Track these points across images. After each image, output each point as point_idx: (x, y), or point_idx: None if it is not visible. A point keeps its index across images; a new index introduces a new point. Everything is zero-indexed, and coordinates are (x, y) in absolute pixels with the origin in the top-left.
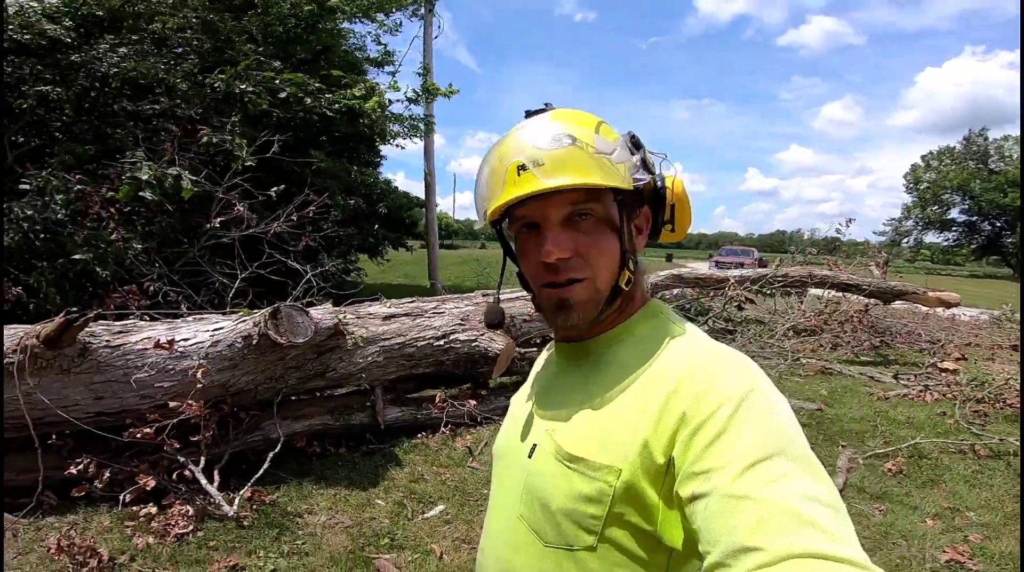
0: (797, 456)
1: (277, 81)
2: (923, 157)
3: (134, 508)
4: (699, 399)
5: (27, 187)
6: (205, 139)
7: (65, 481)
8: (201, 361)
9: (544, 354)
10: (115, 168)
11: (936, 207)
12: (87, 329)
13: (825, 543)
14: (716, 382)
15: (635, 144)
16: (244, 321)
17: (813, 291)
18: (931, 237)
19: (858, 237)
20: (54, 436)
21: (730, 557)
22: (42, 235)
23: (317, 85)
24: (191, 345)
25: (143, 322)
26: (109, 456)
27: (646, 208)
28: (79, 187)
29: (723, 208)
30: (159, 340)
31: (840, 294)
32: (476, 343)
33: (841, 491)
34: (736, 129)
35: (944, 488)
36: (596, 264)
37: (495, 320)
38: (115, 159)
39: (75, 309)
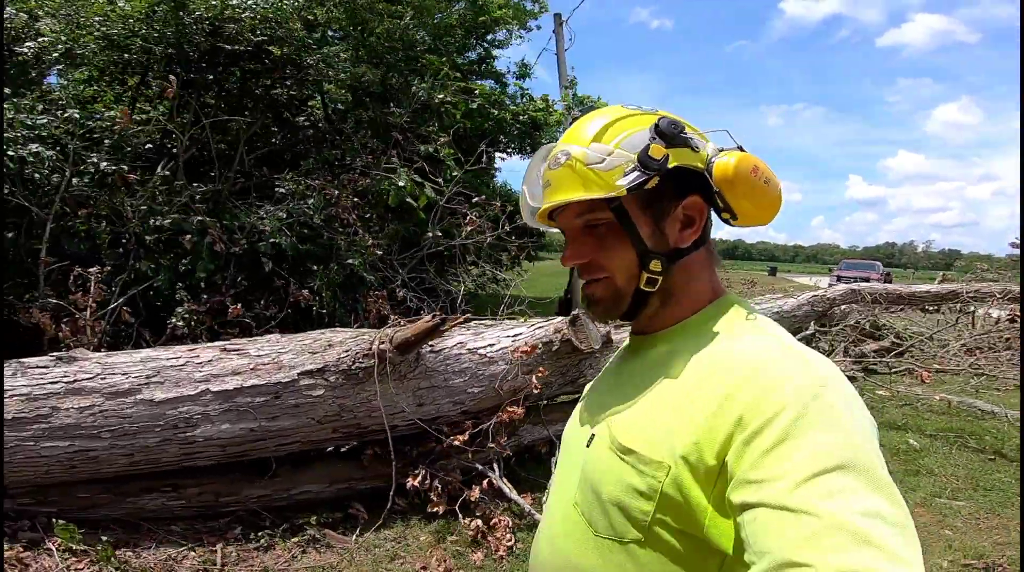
0: (863, 469)
1: (475, 92)
2: None
3: (448, 521)
4: (759, 401)
5: (283, 191)
6: (423, 149)
7: (374, 492)
8: (537, 365)
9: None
10: (349, 174)
11: None
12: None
13: (881, 563)
14: (779, 384)
15: (661, 135)
16: (542, 327)
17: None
18: None
19: (980, 250)
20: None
21: (775, 570)
22: (306, 239)
23: (502, 96)
24: (495, 350)
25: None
26: (404, 465)
27: (694, 197)
28: (331, 192)
29: (822, 218)
30: (469, 345)
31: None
32: None
33: None
34: (835, 135)
35: None
36: (609, 267)
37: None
38: (345, 166)
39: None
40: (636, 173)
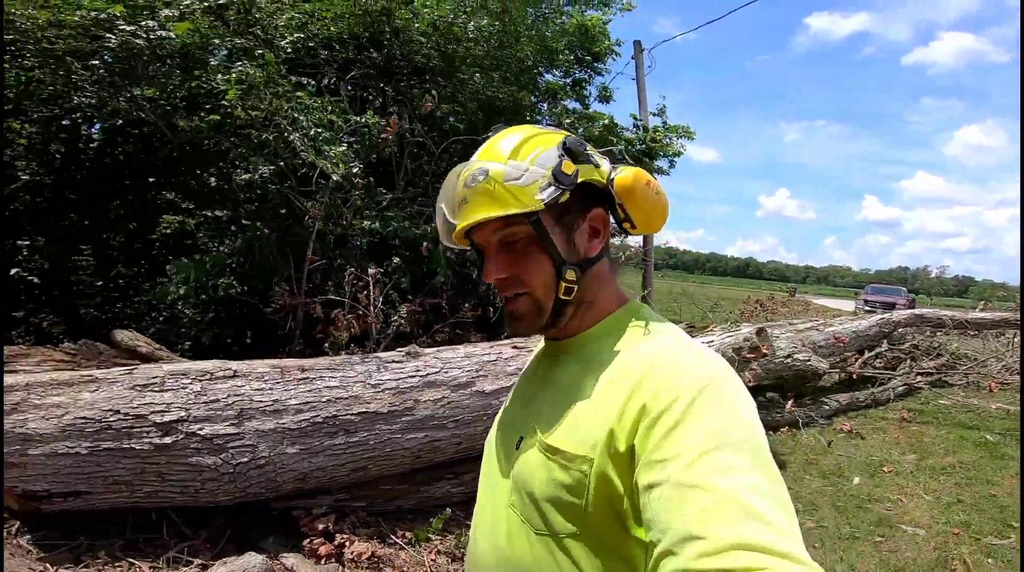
0: (749, 448)
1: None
2: None
3: None
4: (659, 391)
5: None
6: None
7: None
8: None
9: (537, 349)
10: None
11: None
12: None
13: (768, 536)
14: (676, 375)
15: (568, 152)
16: (732, 335)
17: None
18: None
19: (994, 277)
20: None
21: (676, 545)
22: None
23: (610, 121)
24: None
25: None
26: None
27: (597, 210)
28: None
29: (833, 238)
30: None
31: None
32: (809, 362)
33: None
34: (853, 153)
35: None
36: (529, 281)
37: None
38: None
39: None
40: (552, 188)
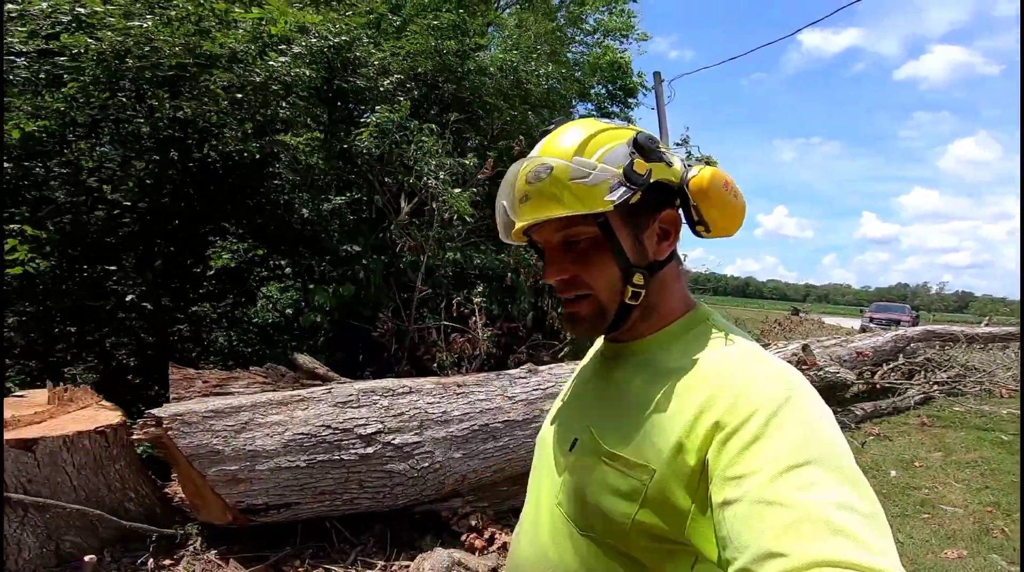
0: (834, 465)
1: None
2: None
3: None
4: (735, 404)
5: None
6: None
7: None
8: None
9: (594, 347)
10: None
11: None
12: None
13: (855, 552)
14: (752, 388)
15: (640, 149)
16: (780, 351)
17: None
18: None
19: (993, 292)
20: None
21: (755, 563)
22: None
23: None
24: None
25: None
26: None
27: (669, 210)
28: None
29: (833, 256)
30: None
31: None
32: (839, 374)
33: None
34: (850, 171)
35: None
36: (593, 283)
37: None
38: None
39: None
40: (623, 189)
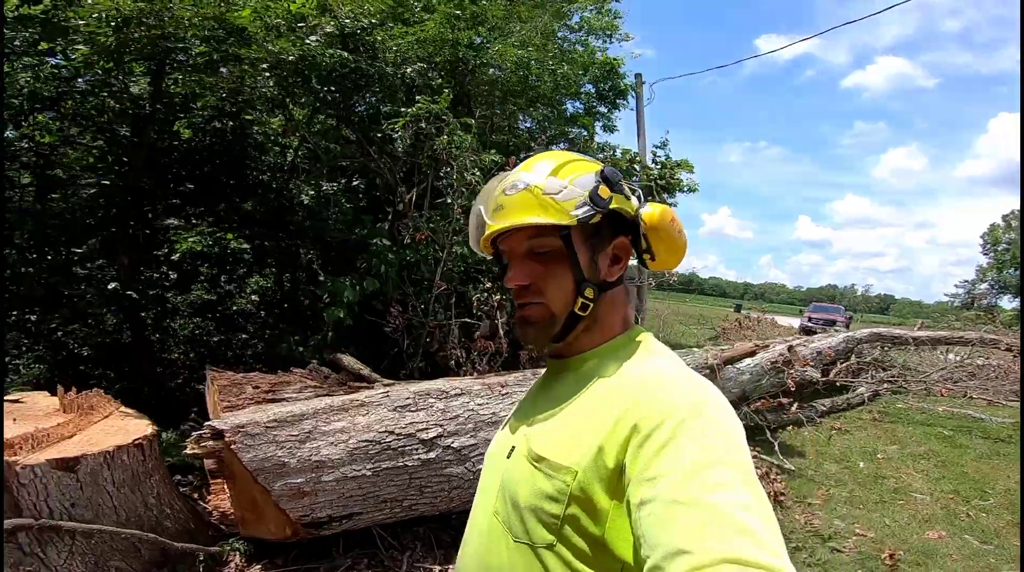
0: (738, 467)
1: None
2: (1004, 217)
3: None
4: (651, 410)
5: None
6: None
7: None
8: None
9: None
10: None
11: (1014, 270)
12: None
13: (756, 551)
14: (668, 396)
15: (605, 180)
16: (768, 352)
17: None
18: (1006, 302)
19: (911, 295)
20: None
21: (666, 560)
22: None
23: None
24: (749, 366)
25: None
26: None
27: (622, 238)
28: None
29: (770, 257)
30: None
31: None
32: (806, 372)
33: None
34: (791, 175)
35: None
36: (548, 292)
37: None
38: None
39: None
40: (587, 207)
